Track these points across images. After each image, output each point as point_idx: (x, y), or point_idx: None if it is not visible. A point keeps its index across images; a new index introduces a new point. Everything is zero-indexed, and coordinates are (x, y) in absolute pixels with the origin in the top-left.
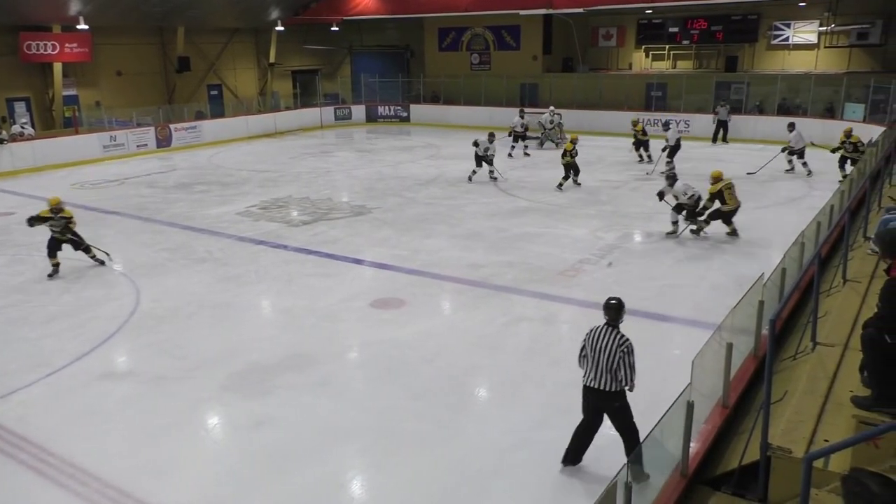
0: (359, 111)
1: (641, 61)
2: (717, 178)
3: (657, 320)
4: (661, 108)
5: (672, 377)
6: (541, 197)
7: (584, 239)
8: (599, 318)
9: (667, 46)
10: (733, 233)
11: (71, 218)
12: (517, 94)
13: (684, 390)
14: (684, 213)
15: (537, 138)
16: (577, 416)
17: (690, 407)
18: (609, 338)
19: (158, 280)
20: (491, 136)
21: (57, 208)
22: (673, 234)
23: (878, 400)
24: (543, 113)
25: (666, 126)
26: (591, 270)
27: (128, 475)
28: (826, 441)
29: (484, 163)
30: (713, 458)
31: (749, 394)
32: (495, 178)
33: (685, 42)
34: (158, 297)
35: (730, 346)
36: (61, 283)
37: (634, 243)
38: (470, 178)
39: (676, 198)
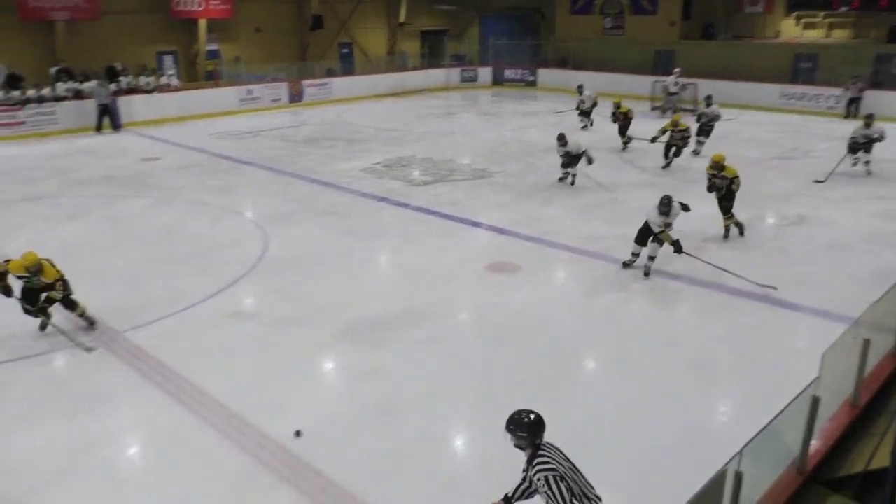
0: (485, 73)
1: (791, 29)
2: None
3: (785, 308)
4: (810, 81)
5: (796, 369)
6: (666, 171)
7: (710, 216)
8: (720, 302)
9: (821, 13)
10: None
11: (55, 283)
12: (651, 62)
13: (811, 384)
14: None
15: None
16: (685, 400)
17: (816, 402)
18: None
19: (285, 229)
20: (580, 88)
21: (34, 268)
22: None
23: None
24: (669, 77)
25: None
26: (714, 249)
27: (249, 408)
28: None
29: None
30: (835, 459)
31: (884, 395)
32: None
33: (843, 9)
34: (284, 245)
35: (866, 343)
36: (198, 227)
37: (767, 225)
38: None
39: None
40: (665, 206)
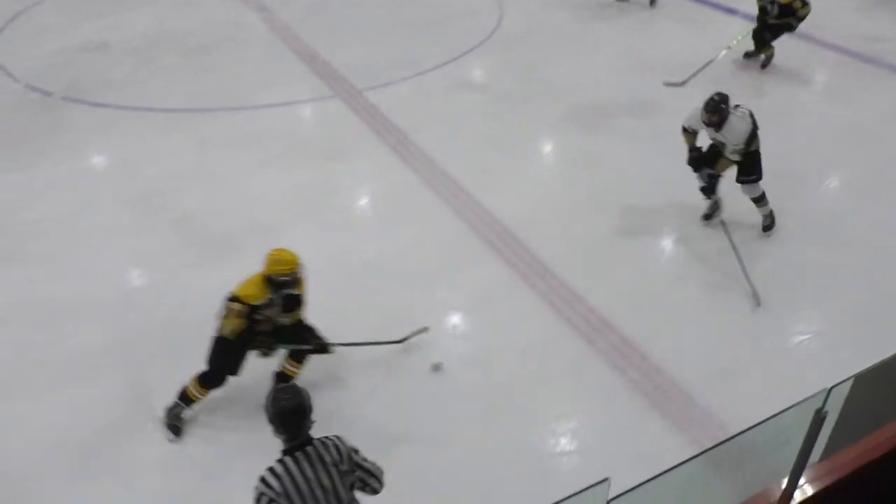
0: None
1: None
2: None
3: None
4: None
5: None
6: None
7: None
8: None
9: None
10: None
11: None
12: None
13: None
14: None
15: None
16: None
17: None
18: None
19: (522, 3)
20: None
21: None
22: None
23: None
24: None
25: None
26: None
27: (468, 177)
28: None
29: None
30: None
31: None
32: None
33: None
34: (519, 19)
35: None
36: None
37: None
38: None
39: None
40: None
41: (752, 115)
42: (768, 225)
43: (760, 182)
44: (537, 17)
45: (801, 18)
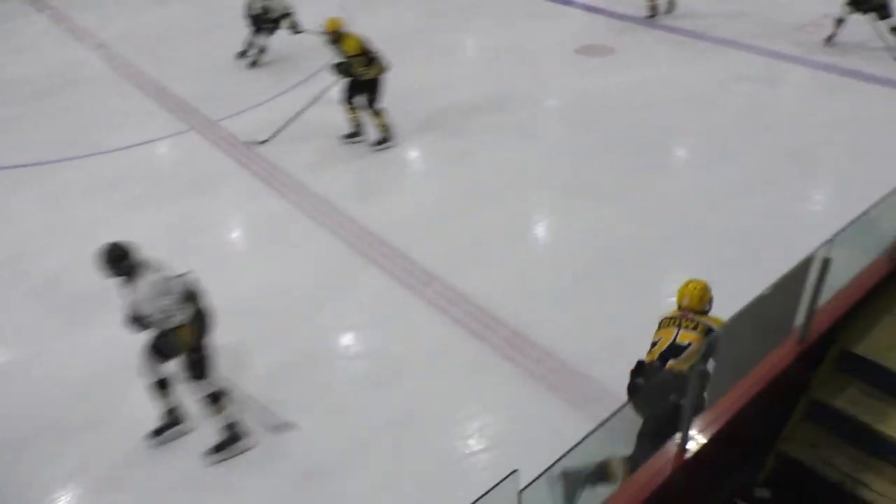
0: None
1: None
2: None
3: None
4: None
5: None
6: None
7: None
8: (837, 85)
9: None
10: None
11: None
12: None
13: None
14: None
15: None
16: (784, 188)
17: None
18: None
19: (372, 11)
20: None
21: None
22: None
23: None
24: None
25: None
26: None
27: (340, 194)
28: None
29: None
30: None
31: None
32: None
33: None
34: (371, 28)
35: None
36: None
37: None
38: None
39: None
40: None
41: None
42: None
43: None
44: (389, 25)
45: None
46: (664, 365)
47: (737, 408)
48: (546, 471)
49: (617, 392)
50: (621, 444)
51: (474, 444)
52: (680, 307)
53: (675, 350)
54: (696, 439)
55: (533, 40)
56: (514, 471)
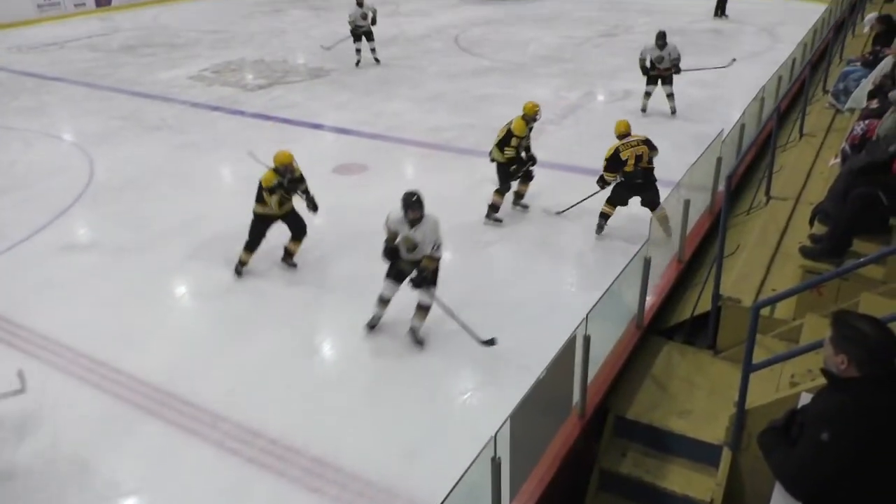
0: None
1: None
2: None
3: None
4: None
5: (634, 234)
6: (503, 56)
7: (546, 99)
8: (560, 179)
9: None
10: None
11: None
12: None
13: (642, 246)
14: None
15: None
16: (541, 271)
17: (647, 262)
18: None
19: (112, 149)
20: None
21: (285, 168)
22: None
23: (825, 251)
24: None
25: None
26: (553, 131)
27: (97, 344)
28: (773, 290)
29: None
30: (667, 311)
31: (704, 249)
32: (377, 61)
33: None
34: (113, 167)
35: (687, 203)
36: (8, 155)
37: (597, 102)
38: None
39: None
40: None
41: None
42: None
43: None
44: (134, 162)
45: None
46: (638, 166)
47: (539, 492)
48: None
49: (425, 500)
50: None
51: None
52: (621, 137)
53: (639, 159)
54: None
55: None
56: None
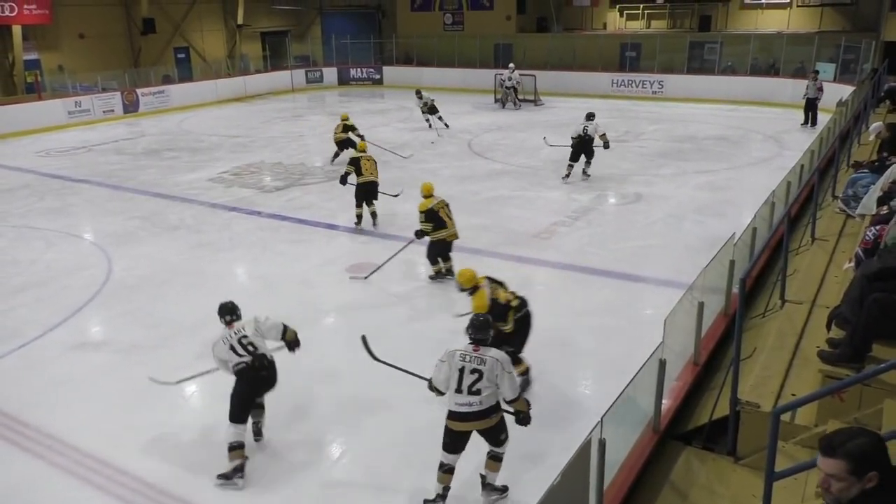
0: (330, 73)
1: (616, 21)
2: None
3: (631, 280)
4: (635, 69)
5: (646, 336)
6: (515, 160)
7: (558, 201)
8: (574, 280)
9: (641, 6)
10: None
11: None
12: (491, 55)
13: (657, 349)
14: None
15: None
16: (552, 374)
17: (663, 365)
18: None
19: (130, 249)
20: (418, 94)
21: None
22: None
23: (845, 356)
24: (505, 71)
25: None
26: (565, 232)
27: (105, 444)
28: (793, 395)
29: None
30: (684, 414)
31: (719, 351)
32: (447, 126)
33: (659, 1)
34: (130, 266)
35: (701, 305)
36: (30, 254)
37: (608, 204)
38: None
39: None
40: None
41: None
42: None
43: None
44: (150, 261)
45: None
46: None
47: None
48: None
49: None
50: None
51: None
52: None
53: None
54: None
55: (302, 264)
56: None
